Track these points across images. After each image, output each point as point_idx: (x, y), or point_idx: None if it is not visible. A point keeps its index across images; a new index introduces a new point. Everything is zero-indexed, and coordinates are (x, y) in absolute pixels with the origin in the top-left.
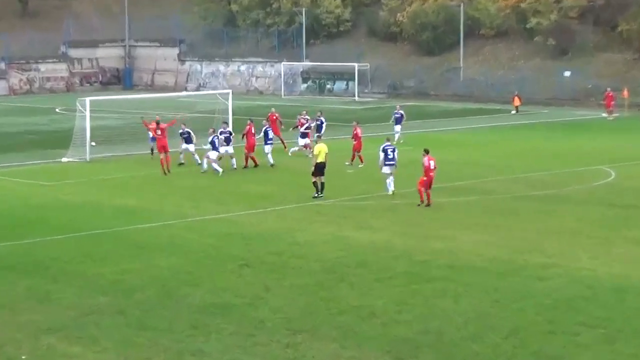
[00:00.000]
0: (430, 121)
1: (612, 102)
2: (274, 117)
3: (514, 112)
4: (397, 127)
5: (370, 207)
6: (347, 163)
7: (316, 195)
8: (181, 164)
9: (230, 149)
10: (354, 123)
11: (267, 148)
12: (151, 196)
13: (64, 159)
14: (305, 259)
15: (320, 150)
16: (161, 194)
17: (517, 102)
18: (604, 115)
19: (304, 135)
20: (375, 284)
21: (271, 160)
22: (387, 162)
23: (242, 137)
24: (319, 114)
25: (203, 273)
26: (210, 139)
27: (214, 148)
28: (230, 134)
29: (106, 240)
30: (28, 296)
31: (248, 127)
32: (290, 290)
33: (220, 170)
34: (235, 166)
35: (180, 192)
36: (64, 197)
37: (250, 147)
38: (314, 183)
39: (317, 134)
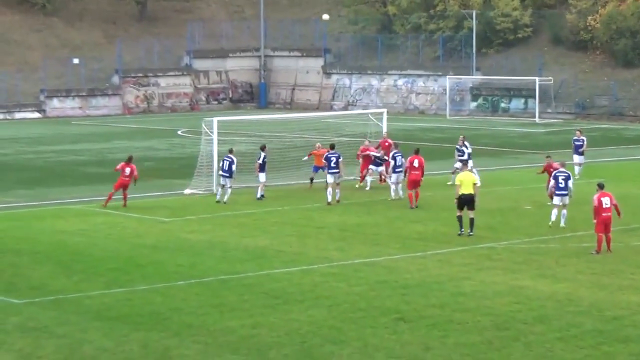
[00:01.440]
0: (626, 148)
1: None
2: (387, 144)
3: None
4: (578, 158)
5: (552, 252)
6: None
7: (460, 232)
8: None
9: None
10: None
11: (395, 177)
12: (289, 236)
13: (187, 191)
14: (473, 312)
15: (462, 180)
16: (301, 234)
17: None
18: None
19: (377, 163)
20: (557, 344)
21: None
22: (557, 192)
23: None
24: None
25: (350, 328)
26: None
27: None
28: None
29: (235, 288)
30: (144, 354)
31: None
32: (455, 350)
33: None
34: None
35: (325, 231)
36: (186, 235)
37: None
38: (458, 217)
39: (460, 160)
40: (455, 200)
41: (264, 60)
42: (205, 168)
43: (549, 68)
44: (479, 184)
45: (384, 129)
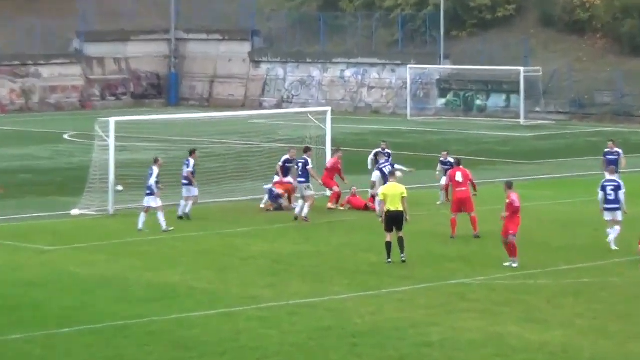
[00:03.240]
0: (634, 157)
1: None
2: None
3: None
4: (610, 174)
5: (542, 289)
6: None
7: (388, 260)
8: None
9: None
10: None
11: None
12: (206, 269)
13: (75, 211)
14: None
15: (387, 194)
16: (221, 266)
17: None
18: None
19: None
20: None
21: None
22: (606, 205)
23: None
24: (383, 145)
25: None
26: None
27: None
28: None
29: (136, 336)
30: None
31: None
32: None
33: None
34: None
35: (252, 262)
36: (73, 269)
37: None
38: (386, 244)
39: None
40: (380, 219)
41: (174, 45)
42: (98, 182)
43: (537, 56)
44: (406, 196)
45: (328, 132)
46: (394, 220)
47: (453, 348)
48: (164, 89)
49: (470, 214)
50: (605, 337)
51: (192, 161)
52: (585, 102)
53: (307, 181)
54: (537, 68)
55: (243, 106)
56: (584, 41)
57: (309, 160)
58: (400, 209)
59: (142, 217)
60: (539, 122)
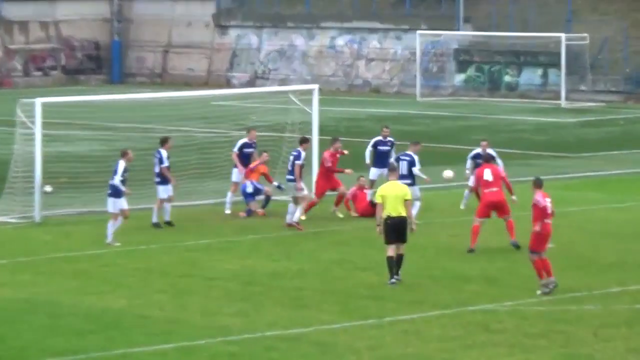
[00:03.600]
0: None
1: None
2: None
3: None
4: None
5: (588, 317)
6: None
7: (392, 280)
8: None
9: None
10: None
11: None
12: (159, 292)
13: None
14: None
15: (386, 195)
16: (179, 289)
17: None
18: None
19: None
20: None
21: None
22: None
23: None
24: (386, 131)
25: None
26: None
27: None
28: None
29: None
30: None
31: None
32: None
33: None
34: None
35: (218, 284)
36: None
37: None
38: (388, 260)
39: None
40: (378, 229)
41: (117, 4)
42: (21, 181)
43: (583, 19)
44: (410, 199)
45: (315, 117)
46: (395, 229)
47: None
48: (104, 62)
49: (505, 218)
50: None
51: (164, 153)
52: None
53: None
54: (584, 35)
55: (206, 84)
56: None
57: (302, 154)
58: (404, 214)
59: (110, 225)
60: (585, 104)
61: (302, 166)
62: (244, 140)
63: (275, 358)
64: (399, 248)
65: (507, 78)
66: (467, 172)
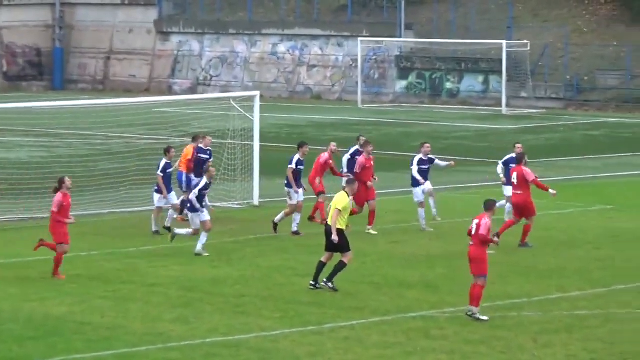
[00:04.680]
0: None
1: None
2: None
3: None
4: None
5: (529, 324)
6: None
7: (312, 283)
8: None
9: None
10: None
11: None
12: (100, 299)
13: None
14: None
15: (347, 207)
16: (120, 295)
17: None
18: None
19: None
20: None
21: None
22: None
23: None
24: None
25: None
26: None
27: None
28: None
29: None
30: None
31: None
32: None
33: None
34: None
35: (158, 290)
36: None
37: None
38: (320, 264)
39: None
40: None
41: (59, 11)
42: None
43: (523, 26)
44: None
45: (256, 123)
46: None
47: None
48: (46, 68)
49: (528, 220)
50: None
51: (162, 162)
52: (584, 86)
53: (296, 185)
54: (524, 42)
55: (147, 90)
56: (585, 7)
57: (294, 159)
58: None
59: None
60: (526, 111)
61: (295, 170)
62: (200, 145)
63: None
64: (345, 256)
65: (448, 85)
66: (501, 176)
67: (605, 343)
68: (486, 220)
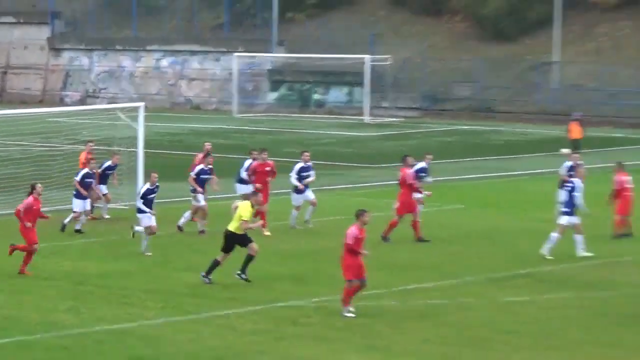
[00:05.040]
0: (493, 159)
1: None
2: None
3: (566, 150)
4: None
5: (387, 312)
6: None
7: (203, 275)
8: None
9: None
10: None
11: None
12: None
13: None
14: None
15: (241, 214)
16: (15, 288)
17: (575, 131)
18: None
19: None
20: None
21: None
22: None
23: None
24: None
25: None
26: None
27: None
28: None
29: None
30: None
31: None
32: None
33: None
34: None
35: (51, 284)
36: None
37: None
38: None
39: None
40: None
41: None
42: None
43: (385, 42)
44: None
45: (140, 132)
46: (228, 241)
47: None
48: None
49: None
50: None
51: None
52: (440, 96)
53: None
54: (386, 56)
55: (41, 102)
56: (441, 24)
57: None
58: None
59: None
60: (386, 119)
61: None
62: (108, 163)
63: (104, 350)
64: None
65: (316, 96)
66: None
67: (456, 328)
68: (352, 230)
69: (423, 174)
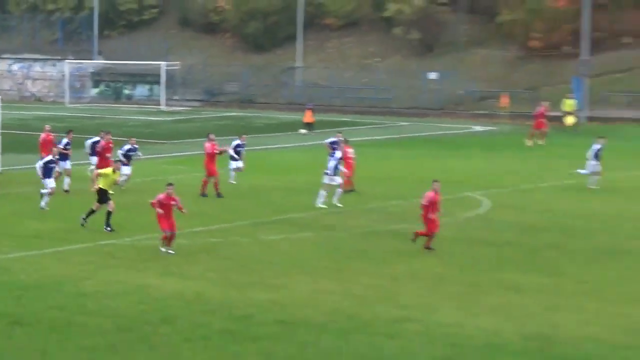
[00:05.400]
0: (255, 137)
1: (544, 122)
2: (50, 138)
3: (303, 131)
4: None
5: (181, 248)
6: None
7: (83, 217)
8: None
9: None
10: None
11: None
12: None
13: None
14: (95, 315)
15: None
16: None
17: (308, 117)
18: (529, 142)
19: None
20: (184, 345)
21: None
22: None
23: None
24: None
25: None
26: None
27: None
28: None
29: None
30: None
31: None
32: (75, 354)
33: None
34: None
35: None
36: None
37: None
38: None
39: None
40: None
41: None
42: None
43: (176, 52)
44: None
45: None
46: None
47: (104, 297)
48: None
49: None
50: (231, 287)
51: (64, 140)
52: (216, 91)
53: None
54: (176, 63)
55: None
56: (216, 40)
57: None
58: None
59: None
60: (177, 108)
61: (64, 149)
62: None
63: None
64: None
65: (126, 91)
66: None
67: (230, 260)
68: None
69: (240, 149)
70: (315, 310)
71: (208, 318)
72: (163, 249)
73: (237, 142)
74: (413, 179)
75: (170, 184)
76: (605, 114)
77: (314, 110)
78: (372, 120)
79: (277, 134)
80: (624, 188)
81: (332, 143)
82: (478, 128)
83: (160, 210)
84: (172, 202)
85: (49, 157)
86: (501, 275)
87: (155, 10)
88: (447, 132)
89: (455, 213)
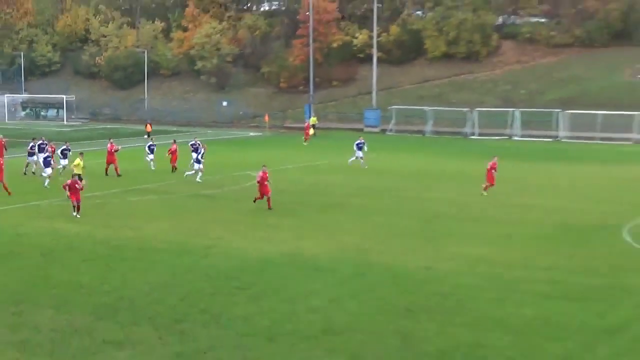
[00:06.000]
0: (123, 140)
1: (308, 132)
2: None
3: (146, 136)
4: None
5: (82, 205)
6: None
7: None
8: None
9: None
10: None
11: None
12: None
13: None
14: (25, 246)
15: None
16: None
17: (149, 128)
18: (305, 142)
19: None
20: (82, 264)
21: None
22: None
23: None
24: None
25: None
26: None
27: None
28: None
29: None
30: None
31: None
32: (13, 271)
33: None
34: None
35: None
36: None
37: None
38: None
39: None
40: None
41: None
42: None
43: (72, 90)
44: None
45: None
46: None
47: (32, 236)
48: None
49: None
50: (108, 228)
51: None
52: (97, 113)
53: None
54: (72, 96)
55: None
56: (96, 82)
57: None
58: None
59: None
60: (74, 123)
61: None
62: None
63: None
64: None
65: (42, 113)
66: None
67: (109, 213)
68: (68, 181)
69: (66, 152)
70: (160, 241)
71: (96, 247)
72: (74, 213)
73: (63, 147)
74: (221, 163)
75: (74, 175)
76: (325, 126)
77: (152, 124)
78: (191, 130)
79: (133, 137)
80: (339, 167)
81: (192, 145)
82: (252, 134)
83: (68, 192)
84: (76, 185)
85: (47, 154)
86: (266, 220)
87: (58, 64)
88: (235, 136)
89: (239, 183)
